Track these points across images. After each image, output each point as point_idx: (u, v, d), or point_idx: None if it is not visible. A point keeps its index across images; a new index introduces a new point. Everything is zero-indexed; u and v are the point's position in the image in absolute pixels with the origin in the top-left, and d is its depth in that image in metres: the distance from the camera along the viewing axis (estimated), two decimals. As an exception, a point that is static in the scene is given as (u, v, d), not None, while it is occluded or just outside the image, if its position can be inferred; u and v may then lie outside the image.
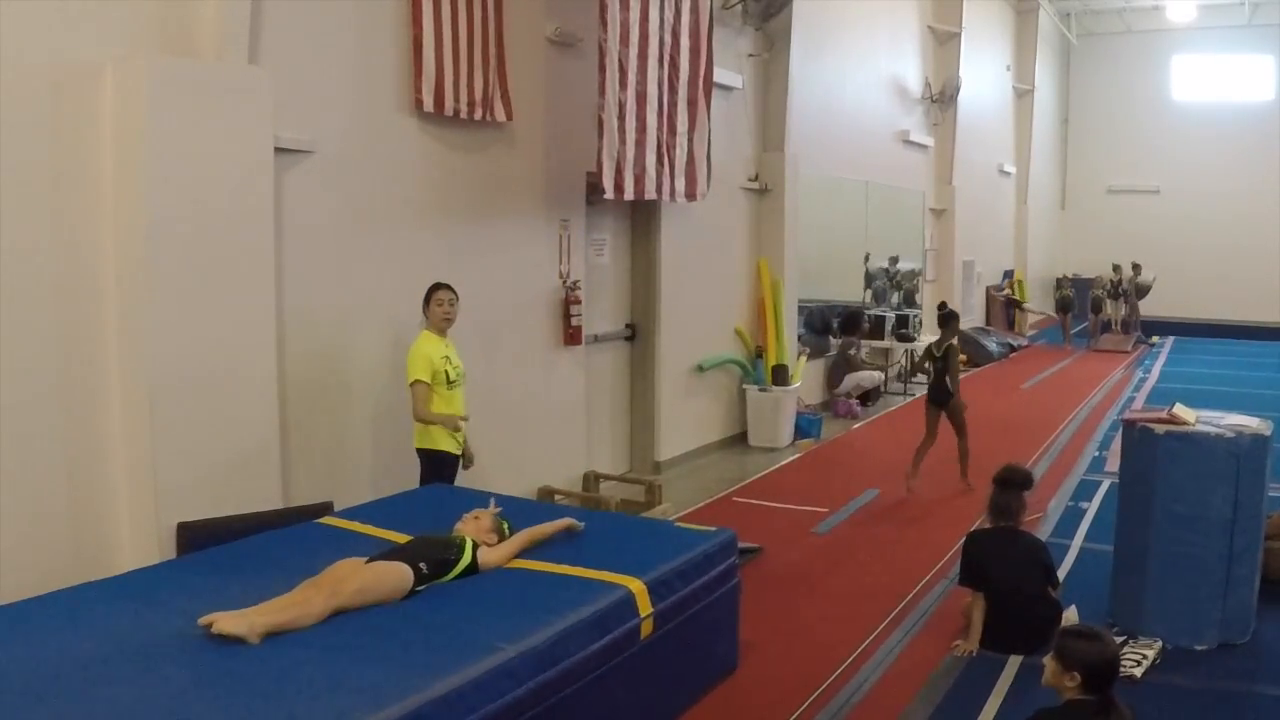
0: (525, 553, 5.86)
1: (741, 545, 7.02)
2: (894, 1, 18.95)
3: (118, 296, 6.38)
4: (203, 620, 4.65)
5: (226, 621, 4.60)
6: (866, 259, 18.28)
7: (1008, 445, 13.55)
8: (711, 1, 11.03)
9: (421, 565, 5.29)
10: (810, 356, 14.96)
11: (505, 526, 5.96)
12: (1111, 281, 27.02)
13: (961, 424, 11.32)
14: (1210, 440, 6.85)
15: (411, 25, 8.25)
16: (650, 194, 10.13)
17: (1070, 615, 6.91)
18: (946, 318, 11.51)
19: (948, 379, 11.15)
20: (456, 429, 7.48)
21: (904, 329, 18.34)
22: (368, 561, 5.25)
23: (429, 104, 8.36)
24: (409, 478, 7.84)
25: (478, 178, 9.08)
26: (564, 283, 10.18)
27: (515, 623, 4.85)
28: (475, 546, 5.63)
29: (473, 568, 5.53)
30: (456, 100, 8.56)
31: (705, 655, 6.18)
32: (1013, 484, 7.36)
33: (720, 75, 11.65)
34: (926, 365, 11.71)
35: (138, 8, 6.47)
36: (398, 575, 5.18)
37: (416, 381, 7.38)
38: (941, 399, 11.24)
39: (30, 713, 3.98)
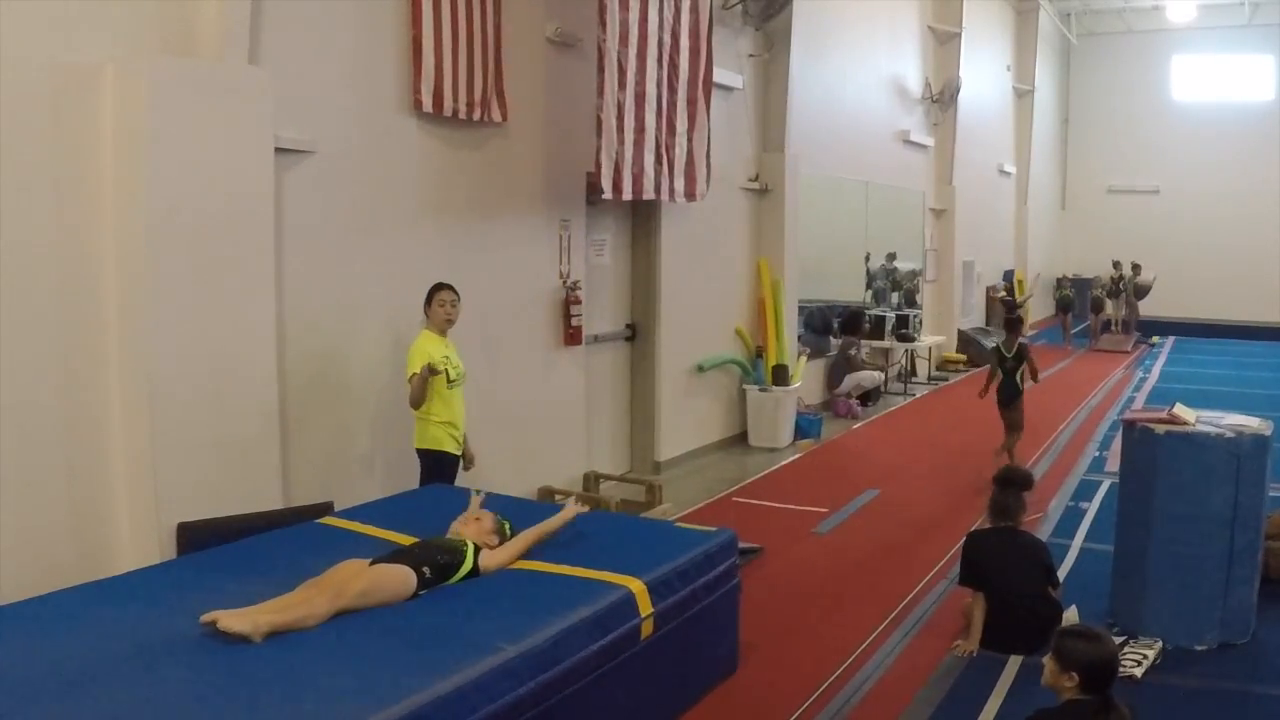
0: (526, 553, 5.86)
1: (742, 545, 7.03)
2: (894, 1, 18.94)
3: (118, 296, 6.37)
4: (206, 618, 4.64)
5: (230, 619, 4.60)
6: (867, 258, 18.28)
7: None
8: (711, 2, 11.02)
9: (425, 569, 5.27)
10: (810, 357, 14.95)
11: (507, 527, 5.94)
12: (1111, 279, 27.05)
13: (1018, 423, 11.67)
14: (1210, 440, 6.85)
15: (411, 26, 8.25)
16: (649, 194, 10.12)
17: (1070, 615, 6.90)
18: (1015, 321, 12.07)
19: (1018, 378, 11.53)
20: (434, 372, 7.41)
21: (904, 329, 18.33)
22: (371, 564, 5.25)
23: (427, 104, 8.36)
24: (409, 478, 7.84)
25: (478, 178, 9.08)
26: (564, 283, 10.17)
27: (516, 623, 4.85)
28: (477, 550, 5.61)
29: (474, 572, 5.52)
30: (455, 100, 8.56)
31: (705, 656, 6.18)
32: (1013, 484, 7.38)
33: (720, 75, 11.66)
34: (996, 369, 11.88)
35: (138, 8, 6.46)
36: (400, 579, 5.16)
37: (415, 375, 7.37)
38: (1008, 398, 11.61)
39: (30, 713, 3.98)
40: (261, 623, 4.62)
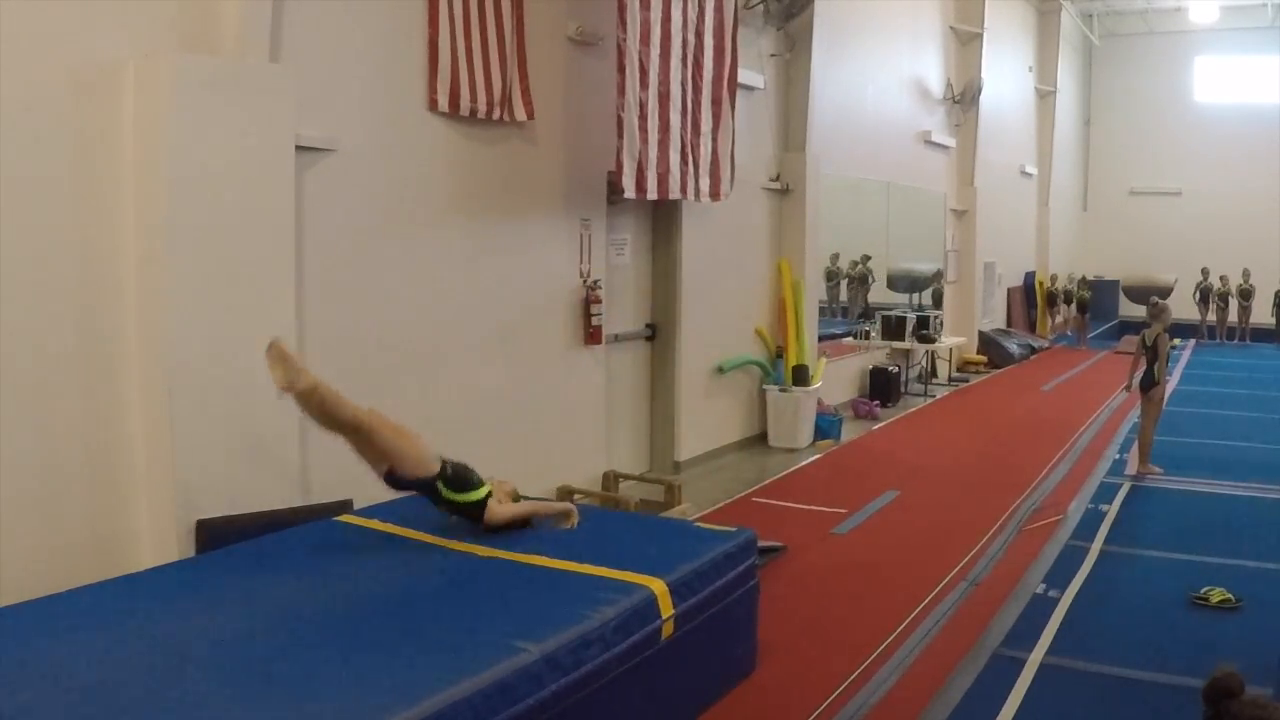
0: (547, 551, 5.87)
1: (764, 544, 7.01)
2: (916, 2, 18.91)
3: (138, 294, 6.39)
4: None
5: (280, 360, 5.25)
6: (835, 259, 17.32)
7: (1029, 446, 13.54)
8: (736, 2, 11.00)
9: (447, 466, 5.75)
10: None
11: (519, 499, 6.32)
12: (1217, 290, 28.38)
13: (1156, 412, 11.94)
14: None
15: (428, 26, 8.25)
16: (674, 193, 10.10)
17: None
18: (1159, 310, 12.06)
19: (1155, 367, 11.73)
20: None
21: (924, 330, 18.26)
22: None
23: (443, 104, 8.36)
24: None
25: (500, 176, 9.08)
26: (585, 282, 10.17)
27: (539, 624, 4.83)
28: (489, 494, 6.02)
29: (481, 508, 5.96)
30: (473, 100, 8.55)
31: (724, 655, 6.17)
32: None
33: (742, 75, 11.62)
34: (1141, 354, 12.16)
35: (160, 6, 6.48)
36: (428, 450, 5.72)
37: None
38: (1146, 385, 11.87)
39: (50, 711, 3.98)
40: (305, 379, 5.24)
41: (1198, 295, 28.32)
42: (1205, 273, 28.27)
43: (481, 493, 5.97)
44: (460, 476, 5.94)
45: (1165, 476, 11.69)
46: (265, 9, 6.89)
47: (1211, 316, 28.40)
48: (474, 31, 8.54)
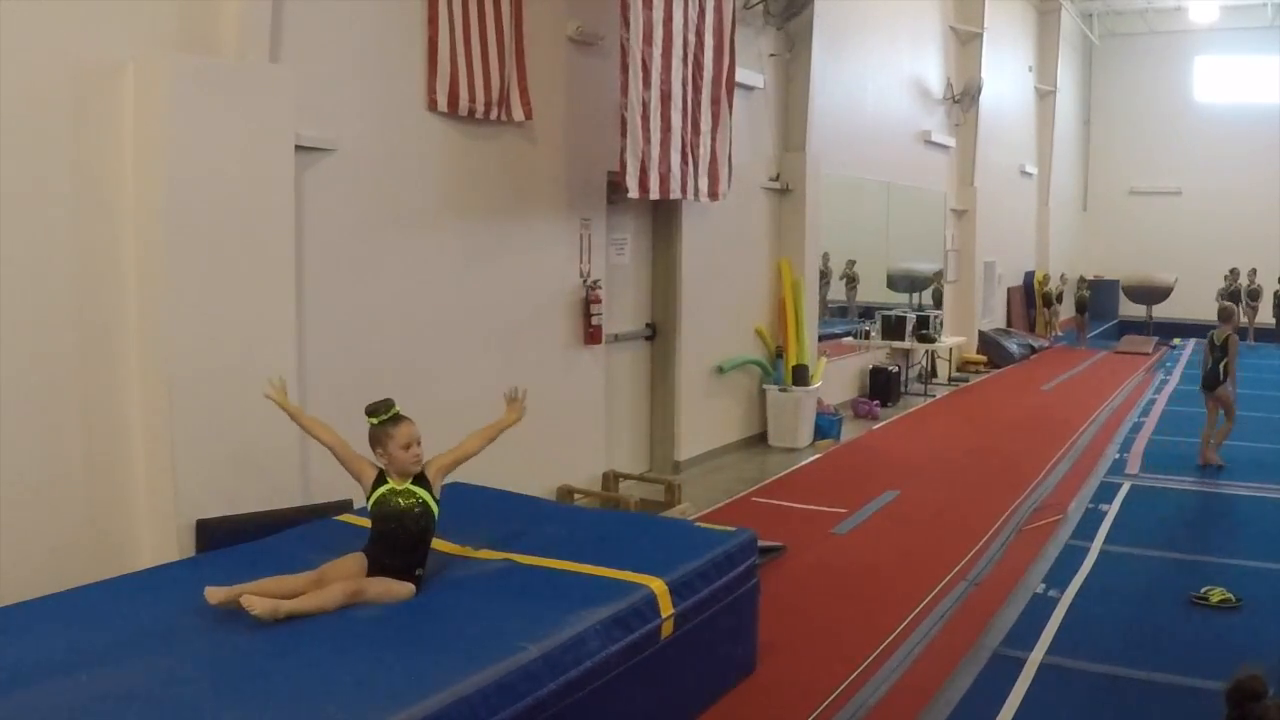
0: (546, 552, 5.88)
1: (764, 544, 7.00)
2: (916, 2, 18.90)
3: (138, 294, 6.38)
4: (235, 591, 4.81)
5: (254, 601, 4.73)
6: (826, 259, 16.74)
7: (1029, 446, 13.53)
8: (734, 1, 11.00)
9: (418, 571, 5.33)
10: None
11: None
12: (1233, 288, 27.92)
13: (1229, 408, 12.45)
14: None
15: (428, 26, 8.25)
16: (675, 193, 10.09)
17: None
18: (1228, 313, 12.79)
19: (1222, 366, 12.24)
20: None
21: (924, 329, 18.24)
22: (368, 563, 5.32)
23: (443, 104, 8.36)
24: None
25: (500, 176, 9.08)
26: (584, 282, 10.16)
27: (538, 622, 4.84)
28: (423, 482, 5.52)
29: (433, 498, 5.48)
30: (472, 100, 8.54)
31: (724, 655, 6.17)
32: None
33: (741, 75, 11.62)
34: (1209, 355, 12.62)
35: (159, 7, 6.47)
36: (407, 593, 5.24)
37: None
38: (1211, 384, 12.43)
39: (49, 710, 3.98)
40: (282, 609, 4.78)
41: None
42: (1235, 273, 28.03)
43: (429, 502, 5.47)
44: (421, 550, 5.38)
45: (1165, 476, 11.71)
46: (265, 9, 6.88)
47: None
48: (473, 31, 8.54)
